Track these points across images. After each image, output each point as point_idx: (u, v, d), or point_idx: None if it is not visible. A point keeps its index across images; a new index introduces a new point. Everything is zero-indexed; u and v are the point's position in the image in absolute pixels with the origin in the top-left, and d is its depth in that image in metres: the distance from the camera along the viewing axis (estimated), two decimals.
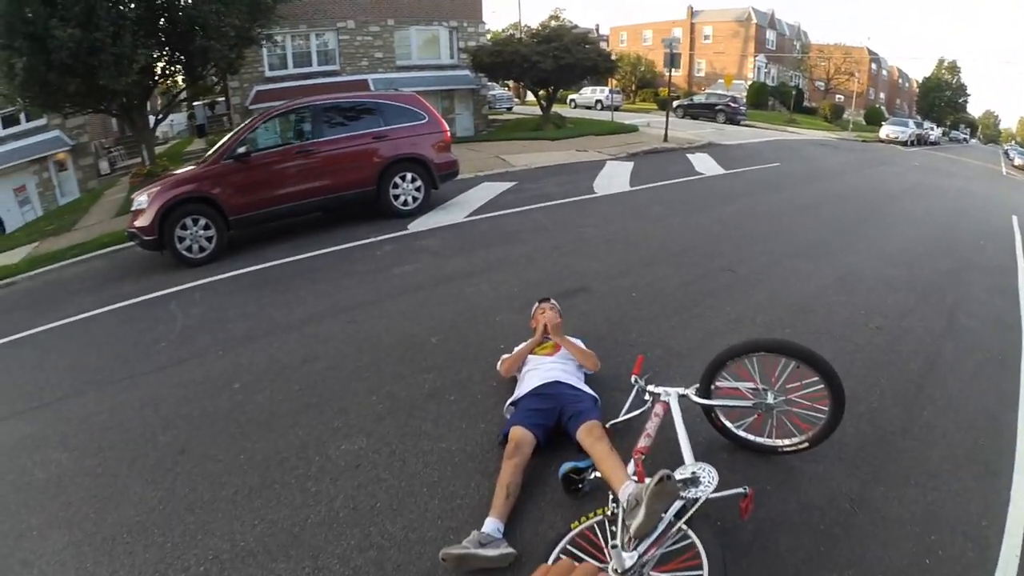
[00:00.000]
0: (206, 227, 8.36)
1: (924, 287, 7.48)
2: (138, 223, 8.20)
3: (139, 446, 4.02)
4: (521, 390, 3.92)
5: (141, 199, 8.32)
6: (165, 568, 2.97)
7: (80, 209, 16.41)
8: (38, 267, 10.01)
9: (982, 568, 3.21)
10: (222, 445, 3.93)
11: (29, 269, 9.95)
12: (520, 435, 3.43)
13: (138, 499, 3.48)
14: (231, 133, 9.59)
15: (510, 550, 2.89)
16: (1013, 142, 72.87)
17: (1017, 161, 40.59)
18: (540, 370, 4.03)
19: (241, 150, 8.63)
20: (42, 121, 20.70)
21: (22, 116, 20.60)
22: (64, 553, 3.15)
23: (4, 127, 21.03)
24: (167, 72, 15.95)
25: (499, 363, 4.46)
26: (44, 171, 21.57)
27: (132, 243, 8.59)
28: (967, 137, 72.61)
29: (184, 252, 8.26)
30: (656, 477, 2.56)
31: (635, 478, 2.90)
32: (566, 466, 3.34)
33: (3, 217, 19.45)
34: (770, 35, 61.82)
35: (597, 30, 68.24)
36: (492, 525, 3.00)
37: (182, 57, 15.04)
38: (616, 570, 2.44)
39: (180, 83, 17.17)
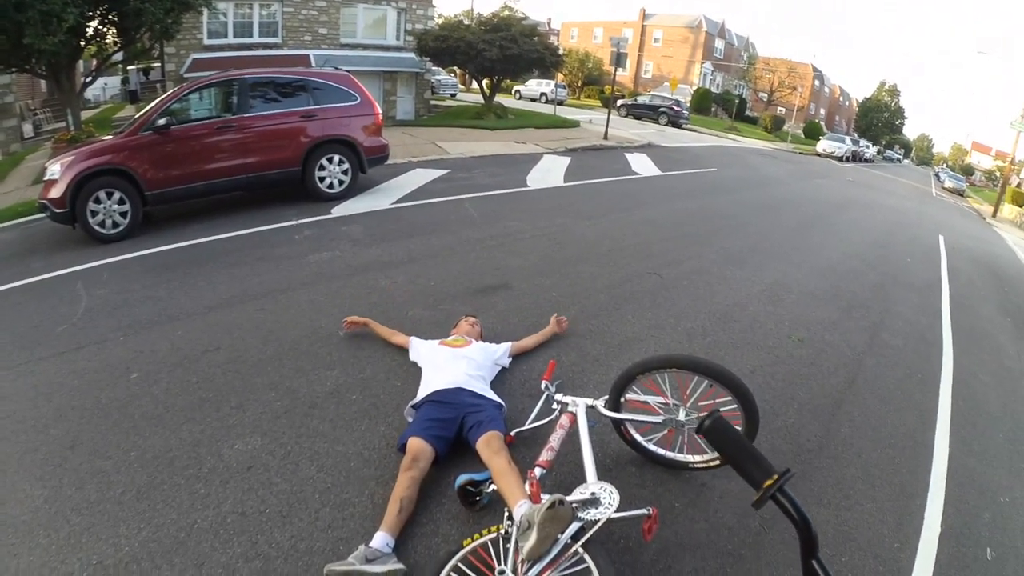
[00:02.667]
0: (121, 202, 8.02)
1: (850, 301, 7.75)
2: (50, 194, 7.82)
3: (30, 439, 3.86)
4: (422, 391, 3.92)
5: (54, 168, 7.94)
6: (48, 572, 2.88)
7: None
8: None
9: None
10: (113, 440, 3.81)
11: None
12: (418, 447, 3.40)
13: (25, 496, 3.36)
14: (154, 102, 9.27)
15: (399, 566, 2.86)
16: (944, 165, 76.44)
17: (947, 184, 42.75)
18: (445, 368, 4.05)
19: (161, 121, 8.31)
20: None
21: None
22: None
23: None
24: (98, 33, 15.32)
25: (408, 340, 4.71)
26: None
27: (44, 215, 8.23)
28: (900, 157, 75.88)
29: (96, 227, 7.91)
30: (548, 501, 2.52)
31: (530, 497, 2.83)
32: (463, 478, 3.29)
33: None
34: (719, 44, 63.37)
35: (549, 24, 68.84)
36: (382, 540, 2.95)
37: (115, 19, 14.45)
38: None
39: (112, 46, 16.49)
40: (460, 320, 5.02)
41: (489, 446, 3.32)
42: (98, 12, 14.12)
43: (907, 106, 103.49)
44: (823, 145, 41.38)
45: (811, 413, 4.80)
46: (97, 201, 7.89)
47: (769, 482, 1.58)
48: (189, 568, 2.90)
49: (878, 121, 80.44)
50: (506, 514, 2.81)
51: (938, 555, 3.59)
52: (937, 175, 53.79)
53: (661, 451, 3.75)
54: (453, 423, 3.64)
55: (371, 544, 2.91)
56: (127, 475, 3.51)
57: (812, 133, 57.54)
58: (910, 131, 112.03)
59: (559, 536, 2.58)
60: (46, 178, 8.06)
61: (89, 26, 14.38)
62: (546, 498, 2.56)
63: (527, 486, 2.87)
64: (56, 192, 7.77)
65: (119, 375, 4.60)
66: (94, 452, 3.72)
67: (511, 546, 2.64)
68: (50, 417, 4.10)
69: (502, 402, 3.96)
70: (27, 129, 23.01)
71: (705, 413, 2.56)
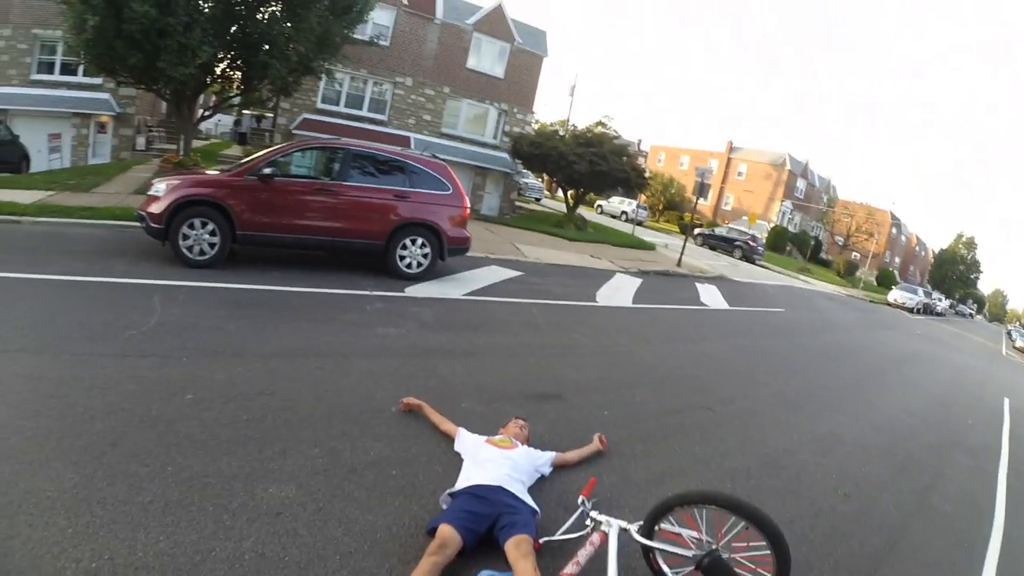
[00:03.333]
0: (212, 233, 8.44)
1: (904, 459, 7.45)
2: (150, 208, 8.29)
3: (75, 424, 3.98)
4: (461, 482, 3.90)
5: (160, 186, 8.45)
6: (59, 552, 2.91)
7: (105, 174, 16.54)
8: (45, 215, 10.13)
9: None
10: (154, 451, 3.87)
11: (36, 215, 10.06)
12: (448, 534, 3.36)
13: (56, 475, 3.43)
14: (264, 151, 9.79)
15: None
16: (1017, 323, 73.66)
17: (1019, 343, 40.90)
18: (488, 466, 4.02)
19: (267, 170, 8.80)
20: (97, 81, 21.36)
21: (80, 69, 21.20)
22: None
23: (61, 73, 21.81)
24: (225, 75, 16.40)
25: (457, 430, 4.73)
26: (84, 127, 22.14)
27: (139, 224, 8.66)
28: (973, 312, 73.80)
29: (184, 250, 8.32)
30: None
31: None
32: (485, 573, 3.24)
33: (31, 157, 19.70)
34: (800, 183, 63.90)
35: (639, 145, 70.46)
36: None
37: (243, 66, 15.50)
38: None
39: (235, 89, 17.61)
40: (510, 421, 5.03)
41: (518, 548, 3.28)
42: (229, 56, 15.21)
43: (983, 259, 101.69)
44: (895, 295, 40.74)
45: (847, 571, 4.56)
46: (191, 227, 8.32)
47: None
48: None
49: (952, 274, 79.28)
50: None
51: None
52: (1009, 333, 51.79)
53: None
54: (487, 519, 3.59)
55: None
56: (159, 486, 3.55)
57: (885, 281, 56.52)
58: (985, 286, 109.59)
59: None
60: (150, 192, 8.58)
61: (219, 66, 15.45)
62: None
63: None
64: (156, 208, 8.23)
65: (175, 392, 4.71)
66: (133, 456, 3.78)
67: None
68: (99, 411, 4.21)
69: (537, 508, 3.92)
70: (140, 142, 24.65)
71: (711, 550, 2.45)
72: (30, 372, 4.61)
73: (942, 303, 53.09)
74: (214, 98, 20.56)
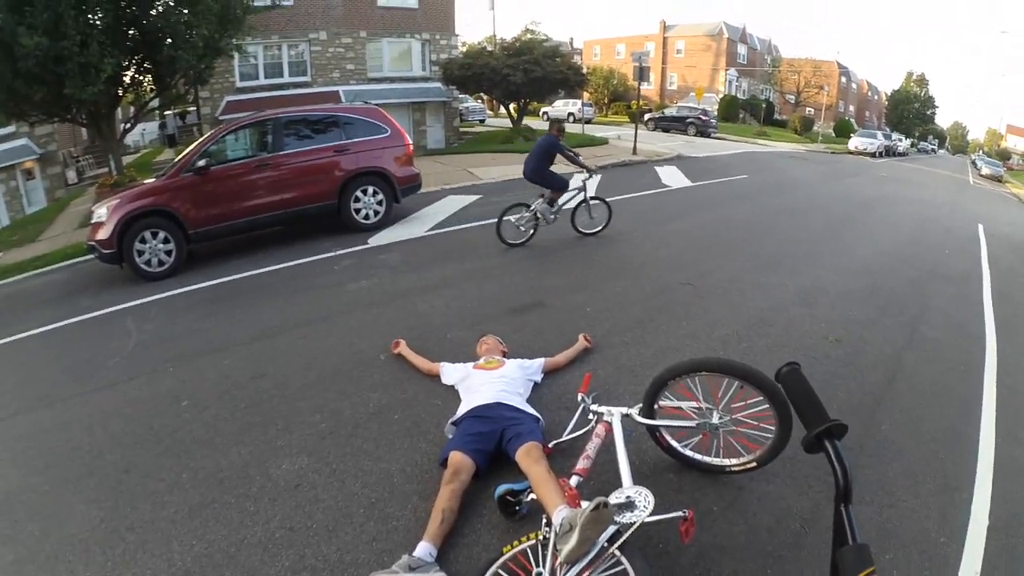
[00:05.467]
0: (165, 241, 8.38)
1: (887, 299, 7.61)
2: (98, 236, 8.21)
3: (86, 464, 4.06)
4: (462, 409, 3.98)
5: (101, 212, 8.34)
6: None
7: (46, 219, 16.32)
8: (1, 279, 9.97)
9: None
10: (166, 464, 3.97)
11: None
12: (459, 461, 3.46)
13: (81, 517, 3.51)
14: (192, 145, 9.63)
15: (440, 574, 2.93)
16: (980, 152, 74.79)
17: (984, 171, 41.66)
18: (483, 389, 4.10)
19: (201, 163, 8.67)
20: (10, 129, 20.38)
21: None
22: (8, 571, 3.17)
23: None
24: (135, 81, 15.89)
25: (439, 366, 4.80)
26: (11, 180, 21.27)
27: (92, 256, 8.59)
28: (935, 148, 74.29)
29: (143, 266, 8.28)
30: (592, 504, 2.54)
31: (567, 503, 2.85)
32: (502, 488, 3.33)
33: None
34: (741, 49, 62.84)
35: (571, 44, 68.90)
36: (424, 549, 3.02)
37: (150, 67, 15.01)
38: None
39: (149, 92, 17.09)
40: (479, 344, 5.06)
41: (528, 455, 3.32)
42: (134, 61, 14.66)
43: (937, 95, 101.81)
44: (855, 142, 40.72)
45: (850, 412, 4.69)
46: (143, 241, 8.24)
47: (821, 426, 1.66)
48: None
49: (909, 113, 79.00)
50: (544, 520, 2.84)
51: (987, 547, 3.50)
52: (973, 162, 52.42)
53: (698, 456, 3.74)
54: (492, 436, 3.69)
55: (414, 553, 2.99)
56: (179, 495, 3.65)
57: (843, 131, 56.18)
58: (943, 120, 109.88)
59: (597, 539, 2.60)
60: (93, 221, 8.47)
61: (126, 75, 14.91)
62: (587, 503, 2.59)
63: (567, 493, 2.91)
64: (104, 234, 8.14)
65: (170, 403, 4.79)
66: (147, 475, 3.87)
67: (549, 551, 2.67)
68: (105, 444, 4.29)
69: (539, 416, 4.01)
70: (71, 176, 23.99)
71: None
72: (30, 431, 4.65)
73: (903, 143, 52.98)
74: (132, 109, 19.94)
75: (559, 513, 2.77)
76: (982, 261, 10.60)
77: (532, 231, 9.30)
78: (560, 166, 9.61)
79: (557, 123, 9.96)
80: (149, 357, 5.73)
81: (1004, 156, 70.33)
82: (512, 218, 9.12)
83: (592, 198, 9.80)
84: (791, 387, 1.87)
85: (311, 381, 5.00)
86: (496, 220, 8.97)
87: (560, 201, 9.44)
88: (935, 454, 4.35)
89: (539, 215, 9.22)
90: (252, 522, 3.39)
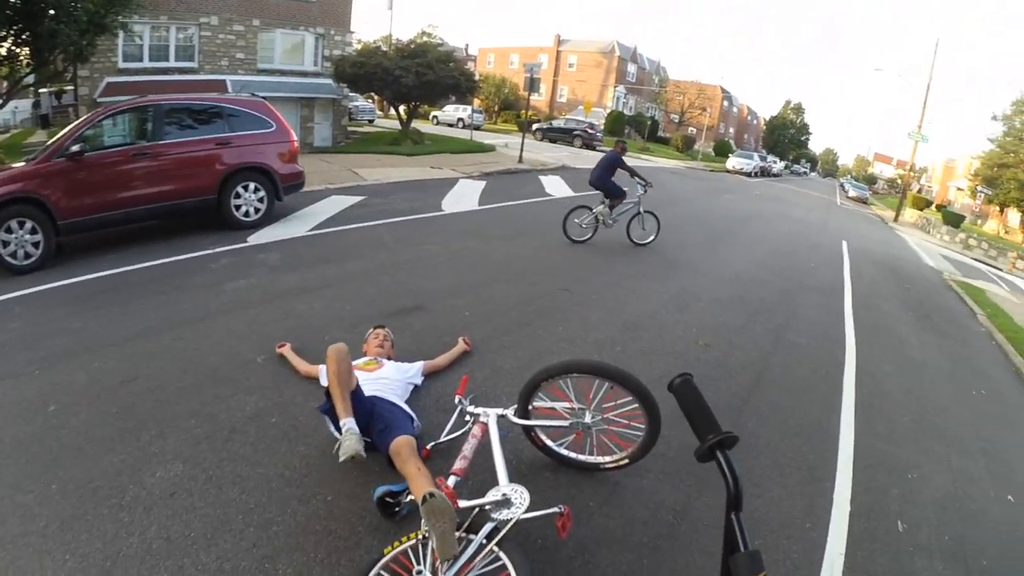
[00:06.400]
0: (33, 231, 7.90)
1: (756, 306, 8.20)
2: None
3: None
4: None
5: None
6: None
7: None
8: None
9: (807, 569, 3.53)
10: (33, 474, 3.81)
11: None
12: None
13: None
14: (67, 128, 9.20)
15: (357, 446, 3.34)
16: (849, 176, 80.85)
17: (851, 193, 45.11)
18: (369, 384, 4.18)
19: (75, 148, 8.26)
20: None
21: None
22: None
23: None
24: (11, 54, 14.92)
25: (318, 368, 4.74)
26: None
27: None
28: (807, 171, 79.83)
29: (7, 258, 7.75)
30: (420, 497, 2.70)
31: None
32: (381, 489, 3.40)
33: None
34: (631, 68, 65.30)
35: (466, 50, 69.43)
36: (347, 424, 3.43)
37: (28, 39, 14.13)
38: None
39: (25, 67, 16.06)
40: (369, 335, 5.19)
41: (399, 454, 3.33)
42: (11, 31, 13.79)
43: (812, 123, 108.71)
44: (732, 162, 43.25)
45: (719, 411, 4.81)
46: (8, 231, 7.74)
47: (712, 436, 1.76)
48: None
49: (785, 138, 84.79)
50: (423, 519, 2.89)
51: (850, 530, 3.95)
52: (842, 185, 56.63)
53: (572, 454, 4.00)
54: (362, 415, 3.71)
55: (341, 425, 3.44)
56: (49, 508, 3.52)
57: (722, 151, 59.90)
58: (816, 146, 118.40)
59: (471, 536, 2.78)
60: None
61: (1, 46, 14.04)
62: (463, 502, 2.80)
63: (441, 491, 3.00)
64: None
65: (36, 408, 4.57)
66: (14, 487, 3.70)
67: (429, 549, 2.76)
68: None
69: (413, 415, 4.13)
70: None
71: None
72: None
73: (777, 165, 56.88)
74: (4, 84, 18.59)
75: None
76: (845, 273, 11.56)
77: (592, 232, 10.74)
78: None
79: (621, 142, 11.65)
80: (13, 359, 5.44)
81: (871, 181, 76.24)
82: (576, 219, 10.52)
83: (645, 211, 10.84)
84: (683, 397, 1.97)
85: (187, 384, 4.94)
86: (563, 217, 10.39)
87: (616, 210, 10.94)
88: (800, 448, 4.81)
89: (599, 218, 10.76)
90: (127, 533, 3.32)
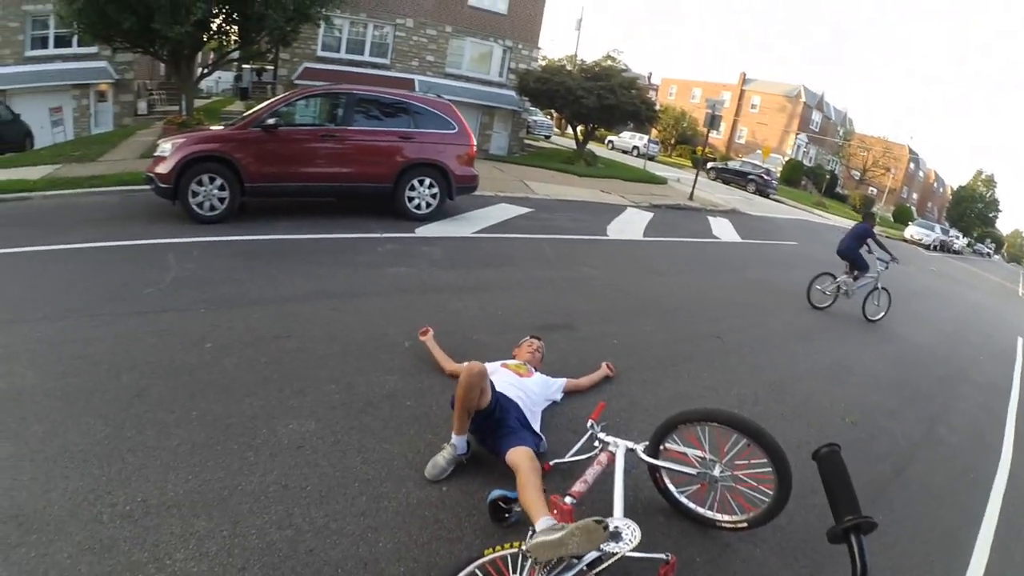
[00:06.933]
0: (221, 188, 8.51)
1: (912, 391, 7.47)
2: (158, 169, 8.37)
3: (101, 381, 4.14)
4: None
5: (165, 147, 8.50)
6: (94, 499, 3.06)
7: (109, 142, 16.59)
8: (55, 189, 10.18)
9: None
10: (179, 398, 4.04)
11: (46, 188, 10.11)
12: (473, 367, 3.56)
13: (87, 429, 3.58)
14: (266, 103, 9.81)
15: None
16: None
17: None
18: (509, 386, 4.10)
19: (271, 121, 8.79)
20: (93, 50, 21.04)
21: (74, 40, 20.83)
22: (5, 462, 3.24)
23: (55, 47, 21.51)
24: (221, 30, 16.21)
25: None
26: (84, 98, 21.99)
27: (148, 187, 8.76)
28: (991, 252, 72.56)
29: (195, 207, 8.42)
30: (595, 518, 2.57)
31: (555, 514, 2.86)
32: (496, 493, 3.33)
33: (35, 133, 19.69)
34: (816, 116, 62.43)
35: (649, 78, 68.68)
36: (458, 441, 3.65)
37: (238, 19, 15.31)
38: None
39: (232, 44, 17.41)
40: (524, 341, 5.12)
41: (519, 469, 3.25)
42: (224, 10, 14.99)
43: (1003, 198, 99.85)
44: (911, 231, 40.24)
45: None
46: (200, 184, 8.40)
47: (851, 518, 1.58)
48: (225, 524, 3.04)
49: (971, 212, 77.69)
50: (529, 533, 2.80)
51: None
52: None
53: (692, 505, 3.72)
54: (490, 423, 3.71)
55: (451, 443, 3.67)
56: (186, 430, 3.72)
57: (901, 217, 55.62)
58: (1004, 225, 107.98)
59: (575, 559, 2.62)
60: (156, 154, 8.64)
61: (214, 22, 15.27)
62: (589, 518, 2.60)
63: (554, 510, 2.89)
64: (164, 168, 8.30)
65: (195, 342, 4.87)
66: (159, 404, 3.95)
67: (529, 562, 2.65)
68: (124, 366, 4.38)
69: (542, 436, 4.02)
70: (141, 106, 24.54)
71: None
72: (54, 337, 4.74)
73: (959, 241, 51.95)
74: (212, 55, 20.31)
75: (544, 520, 2.78)
76: (1015, 373, 10.34)
77: (833, 300, 10.59)
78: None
79: (872, 216, 11.46)
80: (183, 295, 5.83)
81: None
82: (819, 285, 10.51)
83: (882, 287, 10.72)
84: (827, 469, 1.79)
85: (333, 352, 5.05)
86: (807, 284, 10.38)
87: (858, 282, 10.74)
88: (927, 556, 4.24)
89: (841, 287, 10.59)
90: (250, 471, 3.44)
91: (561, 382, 4.88)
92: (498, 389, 4.04)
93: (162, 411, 3.87)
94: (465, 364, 3.61)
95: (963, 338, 11.85)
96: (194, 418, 3.85)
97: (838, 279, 10.55)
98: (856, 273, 10.66)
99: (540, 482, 3.14)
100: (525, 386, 4.29)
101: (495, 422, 3.70)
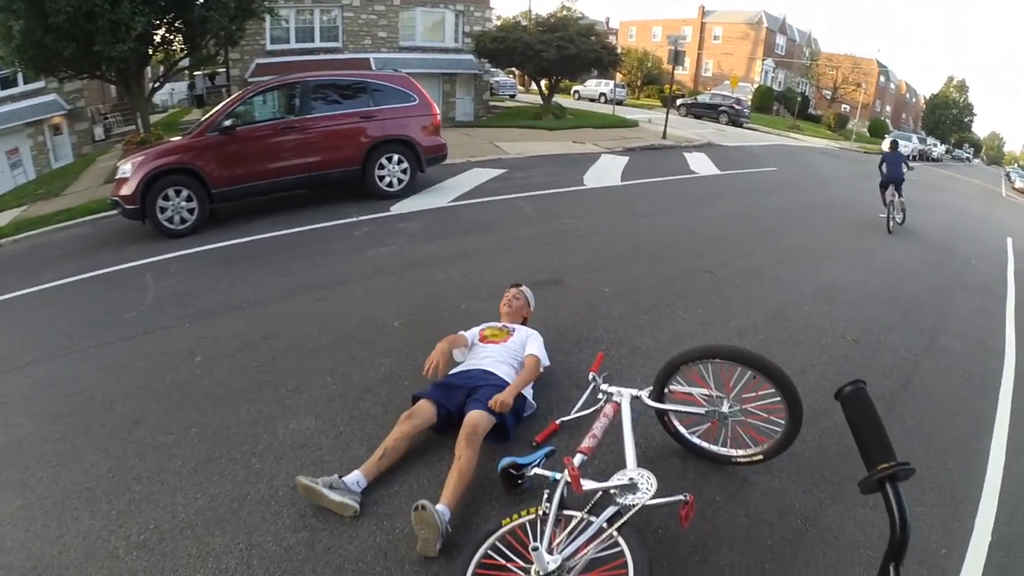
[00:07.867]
0: (188, 199, 8.40)
1: (908, 303, 7.44)
2: (122, 192, 8.23)
3: (97, 414, 4.10)
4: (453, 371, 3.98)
5: (125, 168, 8.36)
6: (108, 535, 3.03)
7: (72, 174, 16.44)
8: (24, 231, 10.06)
9: None
10: (176, 417, 4.00)
11: (14, 233, 10.02)
12: (419, 406, 3.59)
13: (90, 466, 3.55)
14: (219, 105, 9.64)
15: (354, 505, 3.10)
16: (1016, 165, 72.43)
17: (1018, 184, 40.47)
18: (477, 358, 4.05)
19: (227, 123, 8.66)
20: (39, 84, 20.53)
21: (19, 78, 20.36)
22: (16, 515, 3.21)
23: (1, 88, 20.90)
24: (165, 40, 15.89)
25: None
26: (39, 135, 21.49)
27: (116, 211, 8.64)
28: (970, 157, 72.57)
29: (165, 223, 8.30)
30: (414, 505, 2.83)
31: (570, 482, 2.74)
32: (506, 460, 3.29)
33: None
34: (780, 40, 61.76)
35: (607, 23, 67.81)
36: (354, 477, 3.22)
37: (181, 26, 14.99)
38: (538, 572, 2.40)
39: (179, 52, 17.10)
40: (511, 295, 4.79)
41: (465, 436, 3.31)
42: (165, 20, 14.65)
43: (976, 103, 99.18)
44: (888, 143, 40.11)
45: None
46: (166, 198, 8.27)
47: (885, 466, 1.48)
48: (240, 536, 3.02)
49: (946, 119, 77.21)
50: (544, 496, 2.78)
51: (987, 563, 3.41)
52: (1008, 175, 50.98)
53: (704, 444, 3.69)
54: (460, 392, 3.70)
55: (344, 477, 3.19)
56: (187, 449, 3.68)
57: (877, 131, 55.23)
58: (980, 129, 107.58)
59: (594, 517, 2.63)
60: (117, 176, 8.51)
61: (156, 34, 14.93)
62: (589, 482, 2.64)
63: (566, 472, 2.74)
64: (127, 190, 8.17)
65: (183, 358, 4.82)
66: (157, 427, 3.91)
67: (548, 526, 2.63)
68: (117, 395, 4.33)
69: (526, 397, 3.91)
70: (98, 132, 24.13)
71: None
72: (45, 380, 4.70)
73: (938, 149, 51.88)
74: (161, 68, 19.98)
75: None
76: (1008, 274, 10.32)
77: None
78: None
79: (895, 143, 14.13)
80: (166, 313, 5.77)
81: None
82: (894, 213, 11.99)
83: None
84: (853, 410, 1.64)
85: (324, 344, 5.01)
86: (886, 215, 11.71)
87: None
88: (944, 464, 4.22)
89: (904, 205, 12.54)
90: (256, 479, 3.41)
91: (531, 350, 4.26)
92: (473, 363, 4.02)
93: (161, 433, 3.84)
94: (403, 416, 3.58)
95: (953, 244, 11.84)
96: (194, 435, 3.81)
97: (896, 200, 12.21)
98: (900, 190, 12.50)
99: (470, 465, 3.22)
100: (499, 353, 4.10)
101: (457, 398, 3.72)
